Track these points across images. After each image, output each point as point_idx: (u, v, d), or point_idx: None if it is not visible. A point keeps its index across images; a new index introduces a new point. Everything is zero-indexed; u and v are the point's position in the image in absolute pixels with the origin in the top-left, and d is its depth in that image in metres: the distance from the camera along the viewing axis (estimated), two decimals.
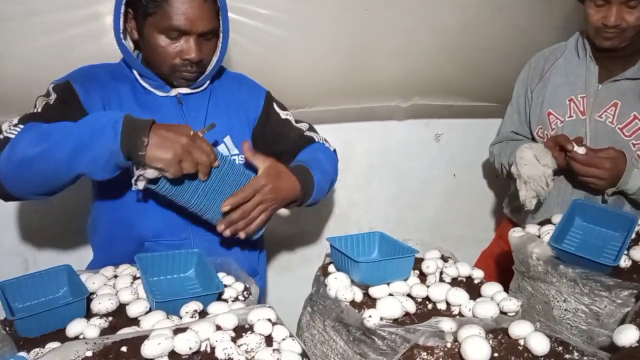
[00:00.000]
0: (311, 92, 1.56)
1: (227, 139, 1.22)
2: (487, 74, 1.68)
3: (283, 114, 1.32)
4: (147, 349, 0.72)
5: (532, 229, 1.14)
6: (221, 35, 1.15)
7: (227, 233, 1.08)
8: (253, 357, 0.74)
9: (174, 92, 1.17)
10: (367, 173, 1.77)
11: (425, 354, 0.80)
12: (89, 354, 0.75)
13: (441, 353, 0.80)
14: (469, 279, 1.04)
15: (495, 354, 0.78)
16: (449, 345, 0.81)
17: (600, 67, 1.38)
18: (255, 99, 1.29)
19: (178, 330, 0.77)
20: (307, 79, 1.52)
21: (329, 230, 1.81)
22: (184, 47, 1.09)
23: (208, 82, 1.21)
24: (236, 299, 0.96)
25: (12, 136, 1.01)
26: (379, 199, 1.82)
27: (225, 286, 0.97)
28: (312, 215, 1.74)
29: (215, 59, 1.17)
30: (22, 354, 0.79)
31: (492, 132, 1.66)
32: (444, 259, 1.09)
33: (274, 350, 0.74)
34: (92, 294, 0.95)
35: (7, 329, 0.92)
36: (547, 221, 1.18)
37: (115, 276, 1.04)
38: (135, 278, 1.02)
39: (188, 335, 0.75)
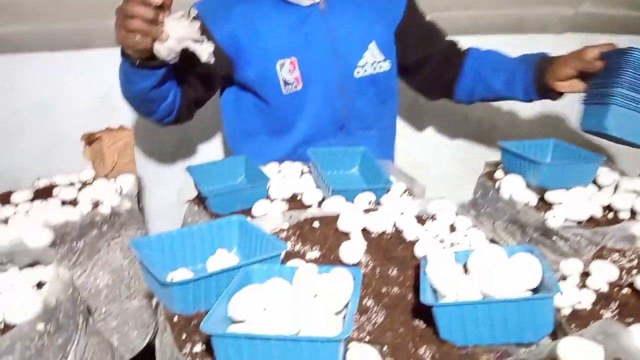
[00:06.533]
0: None
1: (372, 45, 1.18)
2: None
3: (427, 17, 1.26)
4: (342, 223, 0.77)
5: None
6: None
7: None
8: (443, 239, 0.76)
9: None
10: None
11: (616, 255, 0.77)
12: (285, 225, 0.81)
13: (634, 256, 0.77)
14: None
15: None
16: None
17: None
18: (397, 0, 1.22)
19: (368, 211, 0.81)
20: None
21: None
22: None
23: None
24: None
25: None
26: (524, 121, 1.73)
27: None
28: None
29: None
30: None
31: None
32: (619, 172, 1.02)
33: (464, 235, 0.76)
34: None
35: (197, 207, 1.02)
36: None
37: (279, 171, 1.10)
38: (302, 173, 1.08)
39: (378, 213, 0.79)
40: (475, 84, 1.24)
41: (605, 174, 0.97)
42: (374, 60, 1.19)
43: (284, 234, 0.80)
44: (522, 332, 0.53)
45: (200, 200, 1.02)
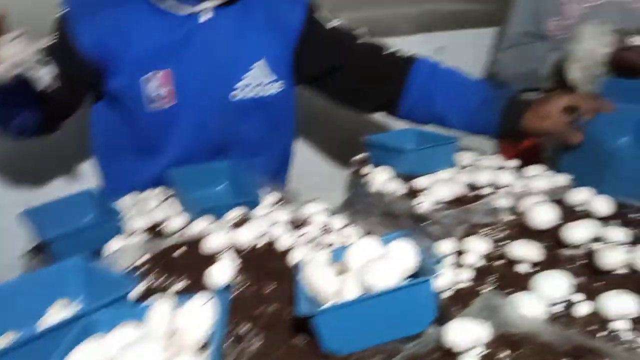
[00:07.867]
0: None
1: (261, 64, 1.07)
2: None
3: (330, 24, 1.12)
4: (206, 245, 0.69)
5: None
6: None
7: None
8: (319, 243, 0.71)
9: (199, 6, 1.00)
10: None
11: (486, 229, 0.78)
12: (145, 257, 0.71)
13: (501, 228, 0.78)
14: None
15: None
16: (507, 219, 0.80)
17: None
18: (293, 10, 1.10)
19: (237, 225, 0.74)
20: None
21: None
22: None
23: None
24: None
25: None
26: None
27: None
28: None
29: None
30: None
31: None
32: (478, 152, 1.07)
33: (340, 234, 0.72)
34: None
35: (37, 258, 0.86)
36: None
37: (137, 202, 0.99)
38: (165, 199, 0.97)
39: (246, 227, 0.72)
40: (424, 108, 1.11)
41: (464, 155, 1.00)
42: (260, 82, 1.08)
43: (144, 268, 0.69)
44: (406, 324, 0.49)
45: (41, 249, 0.87)
